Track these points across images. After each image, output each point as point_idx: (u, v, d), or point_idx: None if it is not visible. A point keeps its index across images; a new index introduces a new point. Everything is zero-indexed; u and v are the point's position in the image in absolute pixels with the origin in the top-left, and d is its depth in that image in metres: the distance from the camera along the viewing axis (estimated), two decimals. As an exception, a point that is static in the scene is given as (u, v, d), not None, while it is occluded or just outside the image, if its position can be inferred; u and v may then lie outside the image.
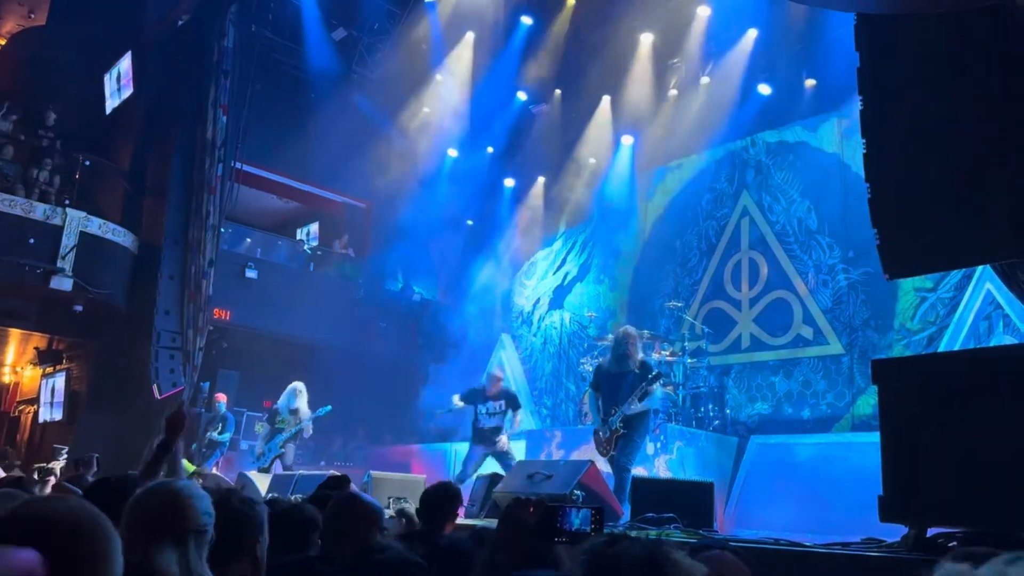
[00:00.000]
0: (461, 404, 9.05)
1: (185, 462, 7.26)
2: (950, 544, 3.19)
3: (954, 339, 9.04)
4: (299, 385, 10.15)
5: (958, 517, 3.32)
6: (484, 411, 8.69)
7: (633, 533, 4.31)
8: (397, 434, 13.23)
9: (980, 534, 3.11)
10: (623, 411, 6.73)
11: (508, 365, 13.38)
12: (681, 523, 4.72)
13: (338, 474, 4.92)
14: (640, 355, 7.13)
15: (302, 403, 10.02)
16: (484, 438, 8.62)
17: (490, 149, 14.64)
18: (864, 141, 4.13)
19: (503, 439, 8.61)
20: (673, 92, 12.42)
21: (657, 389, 7.01)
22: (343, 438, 13.14)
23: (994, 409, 3.30)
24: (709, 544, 2.12)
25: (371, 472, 7.76)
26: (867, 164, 4.07)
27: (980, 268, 8.45)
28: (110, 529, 1.31)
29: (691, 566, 1.42)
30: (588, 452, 7.86)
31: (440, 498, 3.87)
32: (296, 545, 2.76)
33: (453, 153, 14.80)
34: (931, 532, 3.39)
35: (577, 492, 5.30)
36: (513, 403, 8.75)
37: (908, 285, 9.57)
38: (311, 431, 10.17)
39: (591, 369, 11.09)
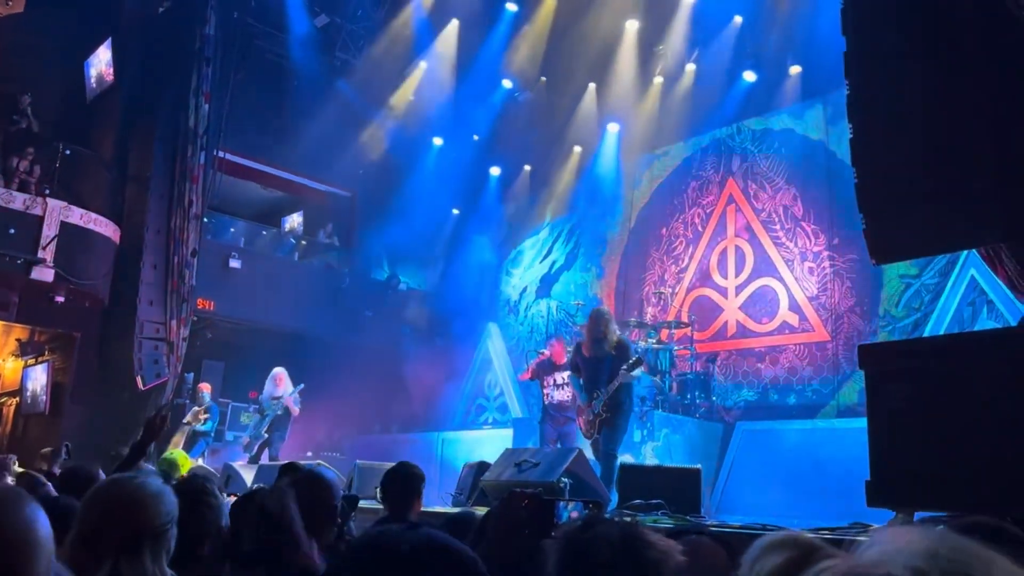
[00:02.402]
0: (528, 378, 8.33)
1: (179, 453, 7.19)
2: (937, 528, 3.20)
3: (938, 325, 9.09)
4: (275, 370, 10.10)
5: (945, 501, 3.33)
6: (552, 382, 7.78)
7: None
8: (384, 423, 13.21)
9: (968, 517, 3.11)
10: (605, 396, 6.61)
11: (495, 354, 13.36)
12: (669, 509, 4.72)
13: (293, 462, 4.80)
14: (615, 335, 6.92)
15: (282, 388, 9.96)
16: (552, 415, 7.74)
17: (475, 137, 14.58)
18: (850, 126, 4.12)
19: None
20: (658, 79, 12.40)
21: (638, 372, 6.85)
22: (329, 428, 13.11)
23: (980, 393, 3.31)
24: (686, 529, 2.11)
25: (358, 461, 7.73)
26: (853, 149, 4.05)
27: (964, 254, 8.50)
28: (29, 523, 1.19)
29: (667, 546, 1.41)
30: (576, 440, 7.86)
31: (402, 479, 3.66)
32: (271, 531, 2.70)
33: (438, 141, 14.73)
34: (918, 516, 3.40)
35: (565, 479, 5.29)
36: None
37: (893, 272, 9.62)
38: (297, 410, 10.04)
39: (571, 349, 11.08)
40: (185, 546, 2.12)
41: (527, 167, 14.43)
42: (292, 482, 2.81)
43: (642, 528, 1.47)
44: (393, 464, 3.79)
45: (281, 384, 10.01)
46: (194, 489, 2.23)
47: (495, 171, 14.87)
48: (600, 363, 6.75)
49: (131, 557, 1.73)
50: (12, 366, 14.99)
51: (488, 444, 10.45)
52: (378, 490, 3.96)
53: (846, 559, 0.62)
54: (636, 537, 1.42)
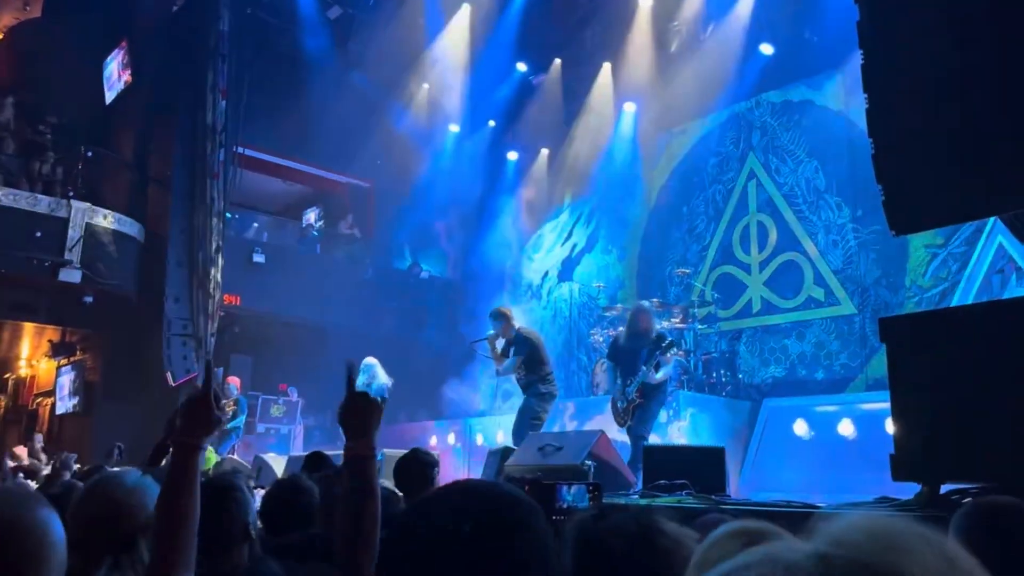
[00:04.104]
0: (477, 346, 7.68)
1: (208, 451, 7.28)
2: (964, 500, 3.15)
3: (966, 294, 8.94)
4: (373, 360, 9.60)
5: (970, 472, 3.28)
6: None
7: (644, 501, 4.30)
8: (410, 411, 13.27)
9: (993, 489, 3.06)
10: (639, 380, 6.80)
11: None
12: (693, 489, 4.70)
13: (319, 452, 4.84)
14: (655, 330, 7.15)
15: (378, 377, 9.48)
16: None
17: (492, 123, 14.54)
18: (866, 96, 4.04)
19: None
20: (674, 56, 12.25)
21: (671, 358, 7.06)
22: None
23: (1004, 362, 3.24)
24: (707, 509, 2.10)
25: (384, 450, 7.76)
26: (870, 119, 3.98)
27: (991, 221, 8.33)
28: (42, 526, 1.19)
29: (682, 533, 1.40)
30: (600, 423, 7.85)
31: (413, 466, 3.68)
32: (300, 524, 2.73)
33: (455, 128, 14.71)
34: (944, 489, 3.35)
35: (588, 462, 5.29)
36: (518, 349, 7.27)
37: (918, 242, 9.46)
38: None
39: (602, 340, 11.11)
40: (213, 542, 2.15)
41: (544, 150, 14.36)
42: (324, 477, 2.82)
43: (656, 517, 1.46)
44: (408, 451, 3.82)
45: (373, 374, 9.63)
46: (221, 486, 2.26)
47: (512, 156, 14.82)
48: (636, 353, 6.95)
49: (129, 552, 1.76)
50: (45, 367, 15.29)
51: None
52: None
53: (772, 544, 0.58)
54: (651, 527, 1.41)
